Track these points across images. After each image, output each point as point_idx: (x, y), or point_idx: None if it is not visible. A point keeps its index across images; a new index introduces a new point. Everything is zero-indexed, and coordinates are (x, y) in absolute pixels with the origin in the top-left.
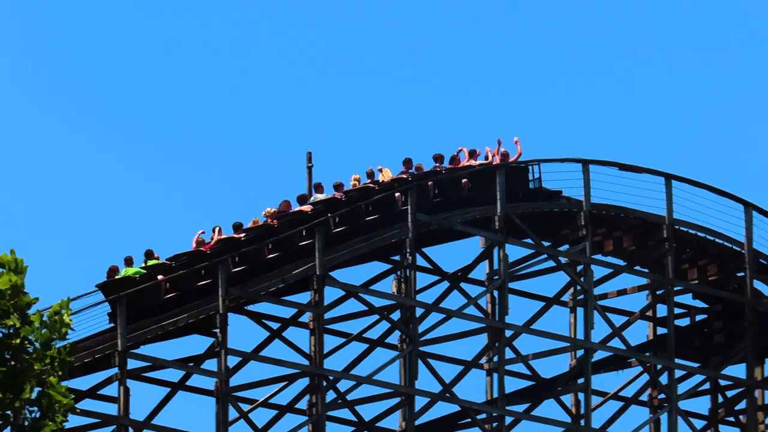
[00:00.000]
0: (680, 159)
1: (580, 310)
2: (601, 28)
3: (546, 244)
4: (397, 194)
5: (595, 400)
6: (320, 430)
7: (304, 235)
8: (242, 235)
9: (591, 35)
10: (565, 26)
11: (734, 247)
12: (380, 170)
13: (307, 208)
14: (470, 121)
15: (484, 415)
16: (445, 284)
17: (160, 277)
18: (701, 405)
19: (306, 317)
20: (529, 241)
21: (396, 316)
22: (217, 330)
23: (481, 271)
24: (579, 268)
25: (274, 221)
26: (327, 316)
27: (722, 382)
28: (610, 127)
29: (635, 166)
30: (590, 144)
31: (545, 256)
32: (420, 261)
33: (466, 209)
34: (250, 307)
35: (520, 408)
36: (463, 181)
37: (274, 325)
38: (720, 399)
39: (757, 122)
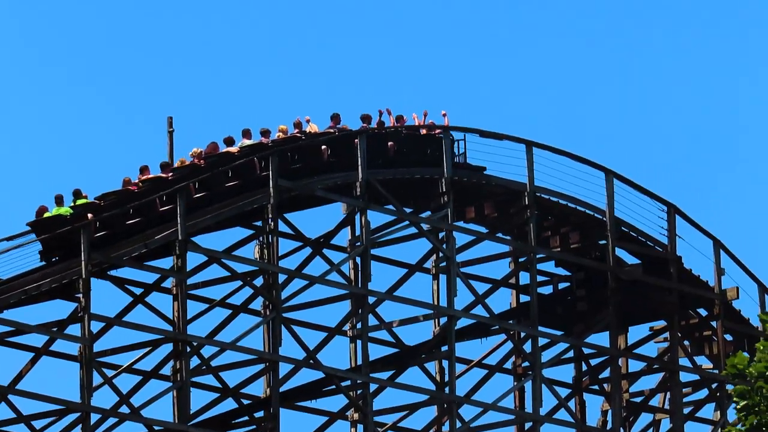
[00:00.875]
0: (541, 126)
1: (443, 277)
2: None
3: (408, 210)
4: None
5: (459, 367)
6: (185, 396)
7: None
8: (169, 174)
9: None
10: None
11: (596, 214)
12: (308, 121)
13: (234, 149)
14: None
15: (348, 382)
16: (308, 250)
17: (90, 215)
18: (565, 373)
19: (169, 283)
20: (391, 207)
21: (259, 282)
22: (80, 295)
23: (343, 238)
24: (441, 235)
25: (201, 161)
26: (190, 281)
27: (586, 351)
28: (473, 93)
29: (496, 132)
30: (452, 111)
31: (407, 222)
32: (282, 227)
33: (328, 175)
34: (113, 272)
35: (384, 375)
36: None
37: (137, 291)
38: (584, 367)
39: (619, 89)
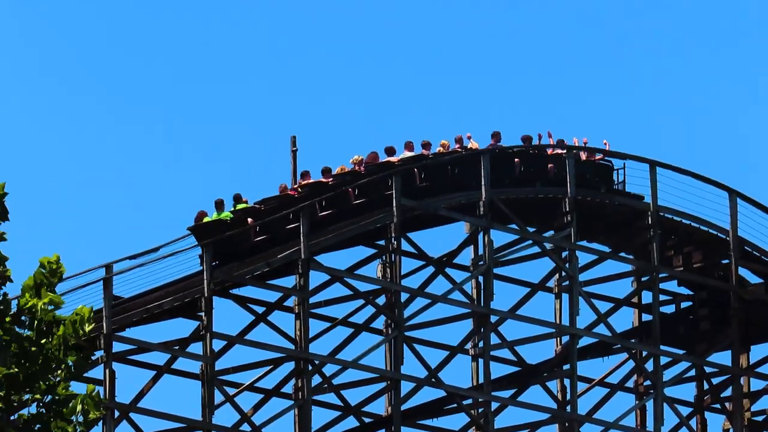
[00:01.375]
0: (665, 146)
1: (565, 296)
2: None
3: (531, 230)
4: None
5: (581, 386)
6: (306, 415)
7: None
8: (330, 179)
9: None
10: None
11: (719, 234)
12: (468, 138)
13: (395, 159)
14: (456, 109)
15: (469, 401)
16: (431, 269)
17: (249, 220)
18: (687, 392)
19: (291, 301)
20: (514, 226)
21: (381, 300)
22: (203, 313)
23: (466, 257)
24: (564, 254)
25: (361, 168)
26: (312, 300)
27: (708, 369)
28: (594, 112)
29: (619, 152)
30: (578, 130)
31: (530, 242)
32: (405, 246)
33: (452, 194)
34: (236, 291)
35: (505, 394)
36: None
37: (260, 309)
38: (705, 386)
39: (742, 109)
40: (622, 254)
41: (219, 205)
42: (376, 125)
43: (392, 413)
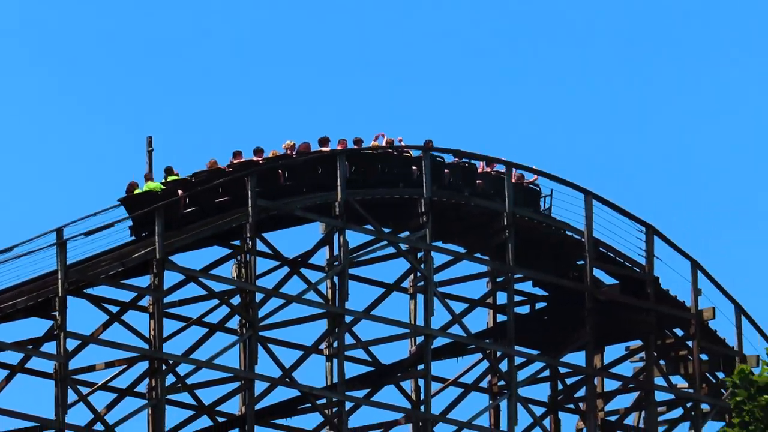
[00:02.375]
0: (520, 147)
1: (420, 297)
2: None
3: (386, 230)
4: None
5: (435, 386)
6: (160, 414)
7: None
8: (261, 158)
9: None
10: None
11: (574, 235)
12: (400, 141)
13: (327, 149)
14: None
15: (324, 400)
16: (286, 269)
17: (180, 192)
18: (541, 392)
19: (146, 301)
20: (369, 227)
21: (236, 300)
22: (56, 313)
23: (321, 257)
24: (419, 254)
25: (293, 152)
26: (167, 299)
27: (562, 370)
28: (445, 113)
29: (476, 154)
30: (425, 131)
31: (385, 242)
32: (260, 246)
33: (307, 195)
34: (90, 290)
35: (360, 393)
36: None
37: (114, 309)
38: (559, 386)
39: (598, 110)
40: (478, 255)
41: (149, 178)
42: (238, 125)
43: (246, 413)
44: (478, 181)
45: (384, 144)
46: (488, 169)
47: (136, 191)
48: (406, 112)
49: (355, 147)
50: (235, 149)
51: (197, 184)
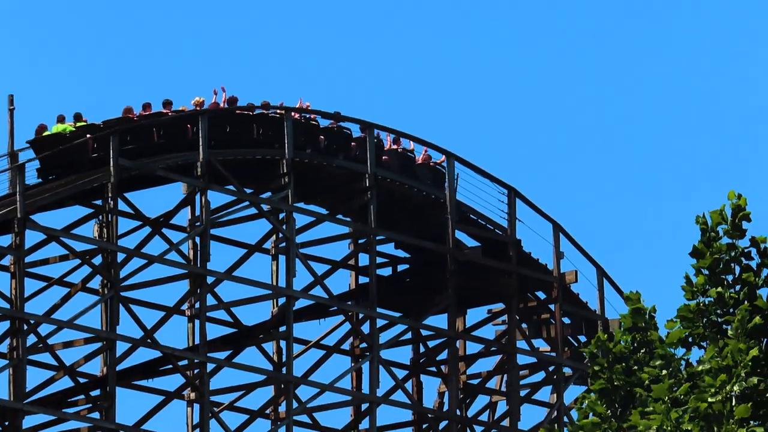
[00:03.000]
0: (382, 108)
1: (282, 258)
2: None
3: (248, 191)
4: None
5: (297, 348)
6: (21, 374)
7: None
8: (170, 110)
9: None
10: None
11: (436, 197)
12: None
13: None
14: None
15: (185, 362)
16: (147, 230)
17: (88, 135)
18: (403, 355)
19: (7, 260)
20: (231, 188)
21: (98, 261)
22: None
23: (183, 218)
24: (281, 215)
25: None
26: (27, 259)
27: (424, 332)
28: (317, 75)
29: (338, 114)
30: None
31: (247, 203)
32: (122, 206)
33: (169, 155)
34: None
35: (221, 355)
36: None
37: None
38: (422, 349)
39: (459, 71)
40: (340, 216)
41: (60, 120)
42: (101, 86)
43: (107, 373)
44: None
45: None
46: (395, 146)
47: (45, 133)
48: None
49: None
50: (145, 101)
51: (105, 129)
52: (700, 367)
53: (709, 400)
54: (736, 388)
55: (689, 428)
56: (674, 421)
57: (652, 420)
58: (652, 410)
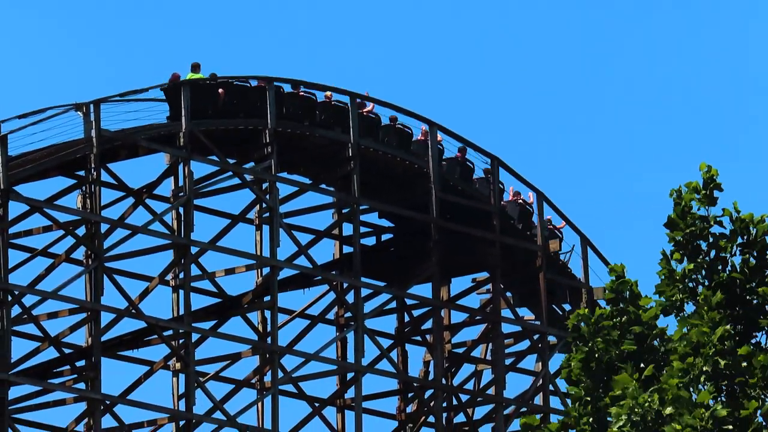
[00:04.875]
0: (366, 77)
1: (266, 228)
2: None
3: (231, 161)
4: None
5: (282, 317)
6: (6, 345)
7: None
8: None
9: None
10: None
11: (420, 166)
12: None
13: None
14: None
15: (170, 332)
16: (131, 200)
17: (221, 90)
18: (388, 324)
19: None
20: (214, 158)
21: (81, 231)
22: None
23: (166, 188)
24: (264, 185)
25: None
26: (11, 230)
27: (409, 302)
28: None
29: (323, 85)
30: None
31: (230, 173)
32: (105, 177)
33: (152, 125)
34: None
35: (206, 325)
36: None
37: None
38: (406, 318)
39: (440, 39)
40: (323, 186)
41: (195, 68)
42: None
43: (92, 344)
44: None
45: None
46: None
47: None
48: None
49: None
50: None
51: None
52: (670, 345)
53: (678, 383)
54: (706, 368)
55: (660, 410)
56: (644, 405)
57: (623, 406)
58: (622, 393)
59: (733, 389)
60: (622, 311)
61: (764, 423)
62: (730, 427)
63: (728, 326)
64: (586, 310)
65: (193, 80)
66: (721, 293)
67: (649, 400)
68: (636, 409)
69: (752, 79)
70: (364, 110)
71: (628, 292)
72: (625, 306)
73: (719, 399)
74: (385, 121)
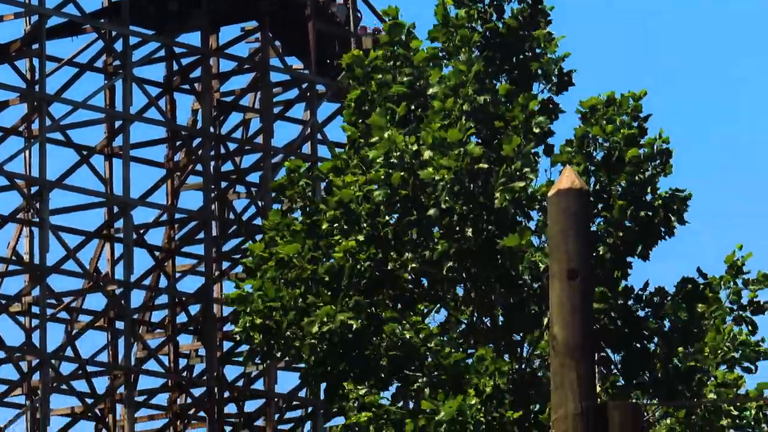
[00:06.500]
0: None
1: None
2: None
3: None
4: None
5: (50, 66)
6: None
7: None
8: None
9: None
10: None
11: None
12: None
13: None
14: None
15: None
16: None
17: None
18: (156, 72)
19: None
20: None
21: None
22: None
23: None
24: None
25: None
26: None
27: (177, 50)
28: None
29: None
30: None
31: None
32: None
33: None
34: None
35: None
36: None
37: None
38: (175, 67)
39: None
40: None
41: None
42: None
43: None
44: None
45: None
46: None
47: None
48: None
49: None
50: None
51: None
52: (431, 90)
53: (438, 126)
54: (465, 107)
55: (420, 151)
56: (402, 147)
57: (378, 148)
58: (378, 139)
59: (494, 130)
60: (395, 55)
61: (522, 163)
62: (485, 165)
63: (483, 64)
64: (360, 52)
65: None
66: (494, 40)
67: (406, 140)
68: (393, 153)
69: None
70: None
71: (403, 36)
72: (397, 50)
73: (474, 140)
74: None
